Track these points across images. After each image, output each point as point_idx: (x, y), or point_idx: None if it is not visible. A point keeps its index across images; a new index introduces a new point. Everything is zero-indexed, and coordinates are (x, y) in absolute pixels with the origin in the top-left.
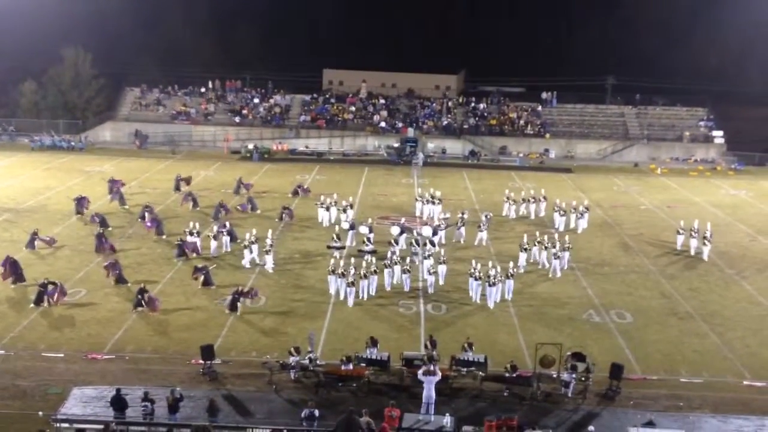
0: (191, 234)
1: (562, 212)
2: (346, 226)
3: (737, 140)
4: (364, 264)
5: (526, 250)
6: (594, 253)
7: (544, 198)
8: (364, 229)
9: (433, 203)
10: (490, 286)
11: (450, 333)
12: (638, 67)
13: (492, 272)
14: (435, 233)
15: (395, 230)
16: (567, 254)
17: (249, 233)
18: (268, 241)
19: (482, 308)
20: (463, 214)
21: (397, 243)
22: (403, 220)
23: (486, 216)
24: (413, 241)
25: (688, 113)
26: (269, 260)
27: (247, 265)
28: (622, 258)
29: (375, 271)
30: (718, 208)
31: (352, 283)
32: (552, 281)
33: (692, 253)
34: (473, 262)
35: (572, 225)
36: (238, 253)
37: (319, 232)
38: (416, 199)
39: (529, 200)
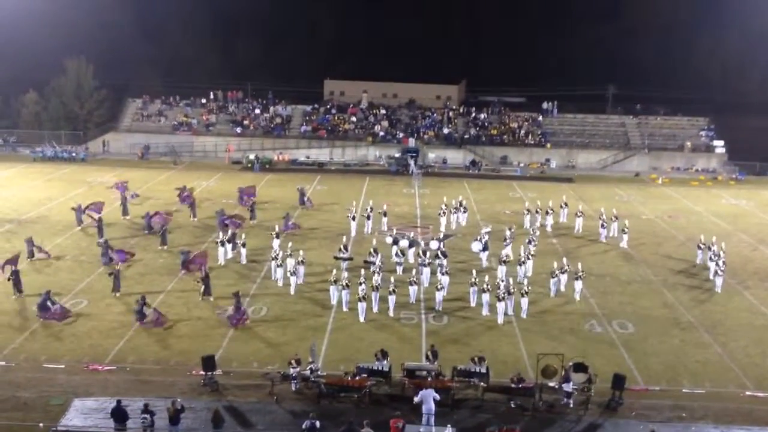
0: (222, 244)
1: (604, 223)
2: (389, 240)
3: (738, 150)
4: (375, 276)
5: (505, 263)
6: (595, 263)
7: (566, 204)
8: (404, 243)
9: (456, 211)
10: (499, 300)
11: (452, 343)
12: (639, 77)
13: (501, 285)
14: (485, 249)
15: (434, 244)
16: (580, 283)
17: (275, 246)
18: (291, 262)
19: (484, 319)
20: (510, 230)
21: (444, 255)
22: (442, 234)
23: (534, 231)
24: (440, 253)
25: (689, 123)
26: (293, 280)
27: (280, 283)
28: (623, 268)
29: (394, 290)
30: (719, 218)
31: (364, 298)
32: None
33: (710, 276)
34: (473, 272)
35: (611, 234)
36: (251, 265)
37: (320, 243)
38: (440, 214)
39: (547, 211)
